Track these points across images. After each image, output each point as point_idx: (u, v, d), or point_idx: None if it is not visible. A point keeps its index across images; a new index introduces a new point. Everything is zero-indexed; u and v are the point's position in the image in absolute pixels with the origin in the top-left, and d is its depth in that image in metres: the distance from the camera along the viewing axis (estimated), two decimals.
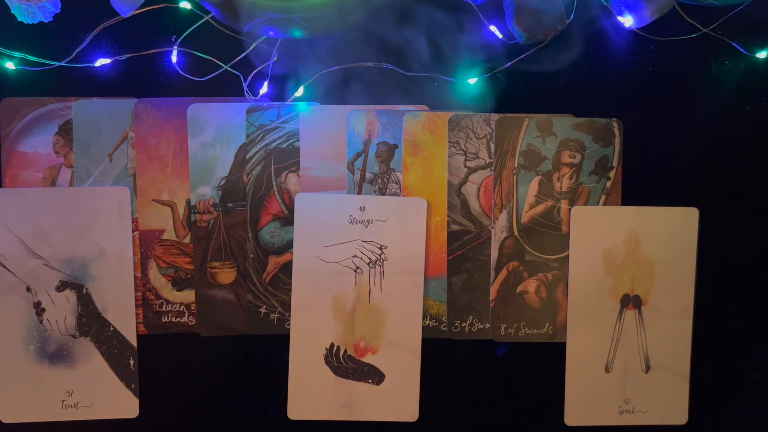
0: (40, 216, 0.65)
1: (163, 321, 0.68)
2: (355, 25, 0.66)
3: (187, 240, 0.67)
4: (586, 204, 0.68)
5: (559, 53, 0.68)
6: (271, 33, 0.65)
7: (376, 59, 0.67)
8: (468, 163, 0.68)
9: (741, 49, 0.68)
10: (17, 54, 0.65)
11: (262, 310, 0.68)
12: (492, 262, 0.69)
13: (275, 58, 0.66)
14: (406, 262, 0.68)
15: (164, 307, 0.68)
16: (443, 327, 0.69)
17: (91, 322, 0.66)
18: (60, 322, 0.66)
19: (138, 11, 0.64)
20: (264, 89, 0.66)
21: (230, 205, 0.68)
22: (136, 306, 0.67)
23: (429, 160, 0.68)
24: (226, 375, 0.69)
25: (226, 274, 0.68)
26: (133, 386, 0.67)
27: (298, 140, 0.67)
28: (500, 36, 0.67)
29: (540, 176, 0.68)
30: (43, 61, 0.65)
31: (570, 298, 0.69)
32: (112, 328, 0.66)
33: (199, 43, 0.66)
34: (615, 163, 0.68)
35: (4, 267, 0.65)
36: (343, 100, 0.67)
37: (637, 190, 0.69)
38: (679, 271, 0.69)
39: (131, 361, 0.67)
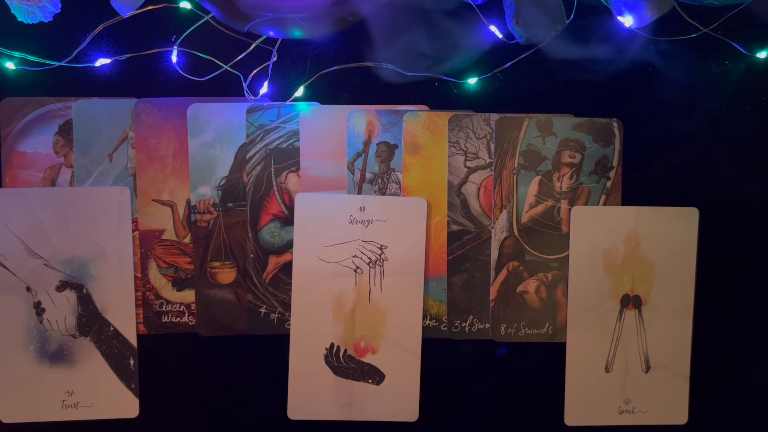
0: (40, 216, 0.65)
1: (163, 321, 0.68)
2: (355, 25, 0.66)
3: (187, 240, 0.67)
4: (586, 204, 0.68)
5: (559, 53, 0.68)
6: (271, 33, 0.65)
7: (376, 59, 0.67)
8: (468, 163, 0.68)
9: (741, 49, 0.68)
10: (17, 54, 0.65)
11: (262, 310, 0.68)
12: (492, 262, 0.69)
13: (275, 58, 0.66)
14: (406, 262, 0.68)
15: (164, 307, 0.68)
16: (443, 327, 0.69)
17: (91, 322, 0.66)
18: (60, 322, 0.66)
19: (138, 11, 0.64)
20: (264, 89, 0.66)
21: (230, 205, 0.68)
22: (136, 306, 0.67)
23: (429, 160, 0.68)
24: (226, 375, 0.69)
25: (226, 274, 0.68)
26: (133, 386, 0.67)
27: (298, 140, 0.67)
28: (500, 36, 0.67)
29: (540, 176, 0.68)
30: (43, 61, 0.65)
31: (570, 298, 0.69)
32: (112, 328, 0.66)
33: (199, 43, 0.66)
34: (615, 163, 0.68)
35: (4, 267, 0.65)
36: (343, 100, 0.67)
37: (637, 190, 0.69)
38: (679, 271, 0.69)
39: (131, 361, 0.67)
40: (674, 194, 0.69)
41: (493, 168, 0.68)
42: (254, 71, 0.66)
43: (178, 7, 0.65)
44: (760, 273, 0.71)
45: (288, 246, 0.68)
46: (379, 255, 0.68)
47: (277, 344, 0.68)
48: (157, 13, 0.65)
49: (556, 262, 0.69)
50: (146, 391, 0.68)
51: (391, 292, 0.68)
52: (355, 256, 0.68)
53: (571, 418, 0.69)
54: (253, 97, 0.67)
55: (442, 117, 0.68)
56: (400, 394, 0.68)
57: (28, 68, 0.65)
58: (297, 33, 0.64)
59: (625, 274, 0.69)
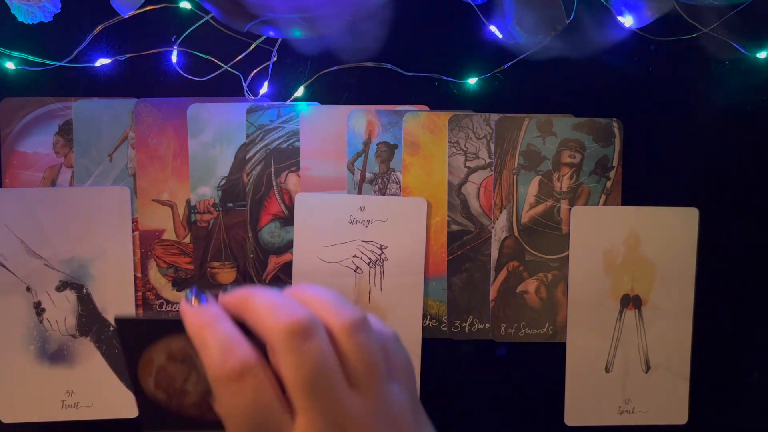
0: (40, 216, 0.65)
1: None
2: (355, 25, 0.66)
3: (187, 240, 0.67)
4: (586, 204, 0.68)
5: (559, 53, 0.67)
6: (271, 33, 0.65)
7: (376, 59, 0.67)
8: (468, 163, 0.68)
9: (741, 49, 0.68)
10: (17, 54, 0.65)
11: None
12: (492, 262, 0.69)
13: (275, 58, 0.66)
14: (406, 262, 0.68)
15: (164, 307, 0.68)
16: (443, 327, 0.69)
17: (91, 322, 0.66)
18: (60, 322, 0.66)
19: (138, 11, 0.64)
20: (264, 89, 0.66)
21: (230, 205, 0.68)
22: (136, 306, 0.67)
23: (429, 160, 0.68)
24: None
25: (226, 274, 0.68)
26: None
27: (298, 140, 0.67)
28: (500, 36, 0.67)
29: (540, 176, 0.68)
30: (43, 61, 0.65)
31: (570, 298, 0.69)
32: (112, 328, 0.66)
33: (199, 43, 0.66)
34: (615, 163, 0.68)
35: (5, 267, 0.65)
36: (343, 100, 0.67)
37: (637, 190, 0.69)
38: (679, 271, 0.69)
39: None
40: (674, 194, 0.69)
41: (493, 168, 0.68)
42: (254, 71, 0.66)
43: (178, 7, 0.65)
44: (760, 273, 0.70)
45: (288, 246, 0.68)
46: (379, 255, 0.68)
47: None
48: (157, 13, 0.65)
49: (556, 262, 0.69)
50: None
51: (391, 292, 0.68)
52: (355, 256, 0.68)
53: (571, 418, 0.69)
54: (253, 97, 0.67)
55: (442, 117, 0.68)
56: None
57: (28, 68, 0.65)
58: (297, 33, 0.64)
59: (625, 274, 0.69)
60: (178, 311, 0.43)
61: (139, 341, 0.45)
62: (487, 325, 0.69)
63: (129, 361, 0.46)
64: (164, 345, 0.45)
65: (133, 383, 0.49)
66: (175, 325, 0.44)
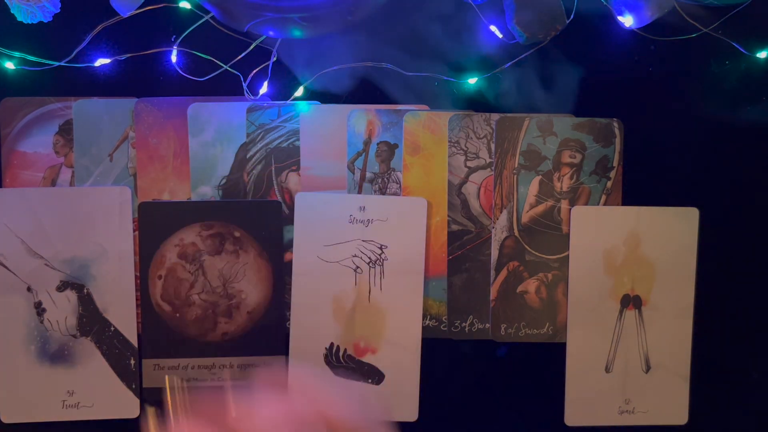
0: (40, 216, 0.65)
1: None
2: (355, 25, 0.65)
3: None
4: (586, 204, 0.68)
5: (559, 53, 0.67)
6: (271, 33, 0.65)
7: (376, 59, 0.67)
8: (468, 163, 0.68)
9: (741, 49, 0.68)
10: (17, 54, 0.65)
11: None
12: (492, 262, 0.69)
13: (275, 58, 0.66)
14: (406, 262, 0.68)
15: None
16: (443, 327, 0.69)
17: (91, 322, 0.66)
18: (61, 322, 0.66)
19: (138, 11, 0.64)
20: (264, 89, 0.66)
21: None
22: (137, 306, 0.67)
23: (429, 160, 0.68)
24: None
25: None
26: (133, 386, 0.67)
27: (298, 139, 0.67)
28: (500, 36, 0.67)
29: (540, 176, 0.68)
30: (43, 61, 0.65)
31: (570, 298, 0.69)
32: (112, 328, 0.66)
33: (199, 43, 0.66)
34: (615, 163, 0.68)
35: (5, 267, 0.65)
36: (343, 99, 0.67)
37: (637, 190, 0.69)
38: (679, 271, 0.69)
39: (132, 361, 0.67)
40: (674, 194, 0.69)
41: (493, 168, 0.68)
42: (254, 71, 0.66)
43: (178, 6, 0.65)
44: (760, 273, 0.70)
45: (288, 245, 0.68)
46: (379, 255, 0.68)
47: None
48: (156, 13, 0.65)
49: (556, 262, 0.69)
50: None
51: (391, 292, 0.68)
52: (355, 256, 0.68)
53: (571, 418, 0.70)
54: (252, 97, 0.66)
55: (443, 117, 0.68)
56: (400, 394, 0.68)
57: (28, 68, 0.65)
58: (297, 33, 0.64)
59: (625, 274, 0.69)
60: None
61: (158, 231, 0.48)
62: (487, 325, 0.69)
63: (143, 260, 0.47)
64: (177, 238, 0.48)
65: (143, 293, 0.51)
66: (194, 210, 0.47)
